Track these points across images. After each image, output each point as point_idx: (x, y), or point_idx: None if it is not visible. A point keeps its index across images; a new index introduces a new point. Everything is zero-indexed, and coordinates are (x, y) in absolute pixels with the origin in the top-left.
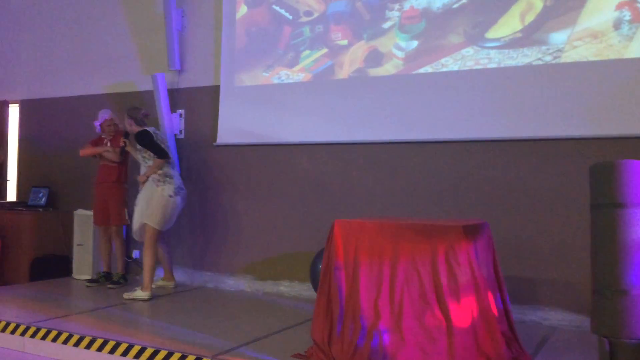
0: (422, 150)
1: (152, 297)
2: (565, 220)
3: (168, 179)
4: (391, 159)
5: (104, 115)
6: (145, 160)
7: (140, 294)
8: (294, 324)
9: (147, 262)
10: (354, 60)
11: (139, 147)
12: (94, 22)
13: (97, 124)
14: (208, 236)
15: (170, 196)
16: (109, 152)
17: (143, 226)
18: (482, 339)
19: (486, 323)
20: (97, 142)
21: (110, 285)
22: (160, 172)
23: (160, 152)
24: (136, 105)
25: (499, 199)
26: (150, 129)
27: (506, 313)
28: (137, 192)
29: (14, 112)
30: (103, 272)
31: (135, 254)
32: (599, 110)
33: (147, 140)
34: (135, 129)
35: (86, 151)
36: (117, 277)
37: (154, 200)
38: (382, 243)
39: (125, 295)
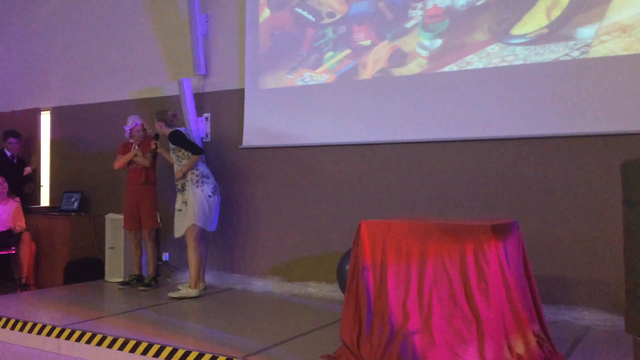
0: (449, 149)
1: (201, 295)
2: (597, 218)
3: (205, 179)
4: (417, 158)
5: (135, 120)
6: (179, 160)
7: (190, 291)
8: (322, 325)
9: (192, 260)
10: (377, 61)
11: (172, 146)
12: (121, 30)
13: (127, 128)
14: (236, 239)
15: (210, 196)
16: (138, 156)
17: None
18: (514, 339)
19: (517, 323)
20: (126, 148)
21: (141, 288)
22: (197, 172)
23: (195, 149)
24: (163, 108)
25: (529, 197)
26: (181, 129)
27: (538, 313)
28: (165, 194)
29: (45, 120)
30: (135, 275)
31: (165, 256)
32: (629, 105)
33: (180, 139)
34: (166, 130)
35: (120, 163)
36: (148, 279)
37: (195, 201)
38: (409, 243)
39: (172, 294)
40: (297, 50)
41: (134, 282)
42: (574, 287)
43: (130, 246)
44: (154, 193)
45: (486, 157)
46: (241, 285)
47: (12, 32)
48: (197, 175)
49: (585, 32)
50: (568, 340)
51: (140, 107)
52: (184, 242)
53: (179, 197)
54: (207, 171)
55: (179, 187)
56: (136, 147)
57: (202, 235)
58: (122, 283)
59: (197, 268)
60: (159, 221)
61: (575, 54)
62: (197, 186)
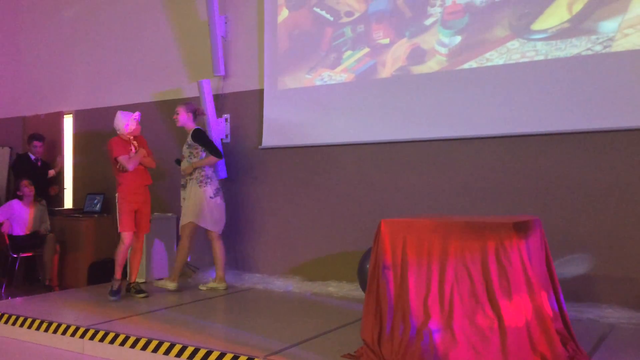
0: (469, 146)
1: (180, 290)
2: (621, 214)
3: (209, 180)
4: (437, 156)
5: (138, 115)
6: (191, 156)
7: (168, 284)
8: (343, 324)
9: (178, 256)
10: (396, 59)
11: (189, 142)
12: (141, 33)
13: (136, 118)
14: (256, 238)
15: (211, 197)
16: (146, 157)
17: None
18: (537, 338)
19: (540, 322)
20: (124, 145)
21: (110, 296)
22: (203, 172)
23: (216, 151)
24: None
25: (551, 194)
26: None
27: (561, 311)
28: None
29: (68, 123)
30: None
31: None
32: None
33: (205, 139)
34: (192, 124)
35: (135, 162)
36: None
37: (196, 199)
38: (430, 241)
39: (202, 287)
40: (316, 50)
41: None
42: (598, 284)
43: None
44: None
45: (507, 154)
46: (262, 284)
47: (35, 37)
48: (202, 175)
49: (608, 26)
50: (592, 338)
51: (160, 109)
52: (204, 242)
53: (182, 193)
54: (212, 173)
55: (183, 182)
56: (136, 145)
57: (218, 236)
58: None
59: (181, 264)
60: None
61: (598, 48)
62: (200, 186)
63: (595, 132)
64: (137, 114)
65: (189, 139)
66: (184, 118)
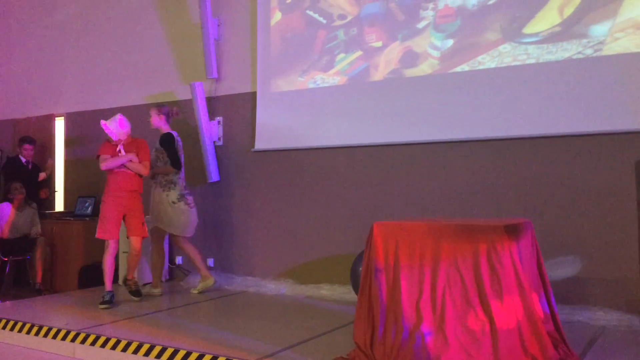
0: (461, 149)
1: (162, 294)
2: (611, 217)
3: (173, 185)
4: (429, 159)
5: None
6: (157, 160)
7: (153, 291)
8: (335, 327)
9: (152, 260)
10: (389, 62)
11: (157, 145)
12: (133, 35)
13: (126, 128)
14: (249, 241)
15: (174, 202)
16: (133, 162)
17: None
18: (528, 340)
19: (531, 324)
20: (111, 148)
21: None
22: (166, 177)
23: (176, 162)
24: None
25: (542, 197)
26: (174, 133)
27: (552, 313)
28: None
29: (60, 125)
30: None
31: (178, 260)
32: None
33: (170, 145)
34: (165, 127)
35: (109, 164)
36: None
37: (158, 204)
38: (422, 244)
39: (193, 291)
40: (309, 53)
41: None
42: (589, 286)
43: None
44: (141, 202)
45: (499, 157)
46: (254, 287)
47: (26, 40)
48: (165, 180)
49: (599, 30)
50: (583, 340)
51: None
52: (199, 246)
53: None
54: (176, 179)
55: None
56: (122, 151)
57: (184, 239)
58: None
59: (159, 269)
60: (147, 230)
61: (589, 52)
62: (162, 190)
63: (586, 135)
64: (125, 126)
65: (157, 143)
66: (155, 120)
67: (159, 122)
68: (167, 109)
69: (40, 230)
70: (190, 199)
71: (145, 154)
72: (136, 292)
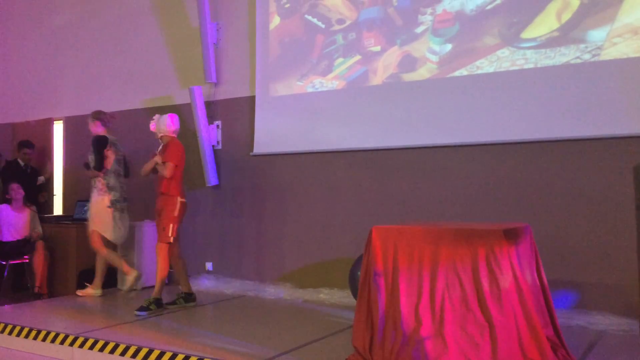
0: (460, 153)
1: (102, 295)
2: (610, 221)
3: (109, 190)
4: (428, 163)
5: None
6: (92, 162)
7: (90, 291)
8: (334, 331)
9: (97, 265)
10: (387, 66)
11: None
12: (132, 39)
13: (170, 126)
14: (247, 245)
15: (108, 206)
16: (159, 164)
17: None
18: (527, 345)
19: (530, 328)
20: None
21: (136, 312)
22: (104, 181)
23: (98, 164)
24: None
25: (541, 201)
26: (111, 138)
27: (551, 318)
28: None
29: (58, 129)
30: (182, 293)
31: None
32: None
33: (97, 148)
34: (99, 130)
35: (142, 170)
36: (147, 302)
37: (95, 207)
38: (421, 248)
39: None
40: (307, 57)
41: (180, 301)
42: (587, 291)
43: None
44: (174, 205)
45: (498, 161)
46: (253, 292)
47: (25, 44)
48: (102, 184)
49: (597, 35)
50: (582, 345)
51: (151, 116)
52: (198, 249)
53: None
54: (114, 183)
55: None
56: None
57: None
58: (168, 303)
59: (102, 273)
60: (169, 235)
61: (587, 56)
62: (99, 194)
63: (584, 140)
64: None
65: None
66: (92, 128)
67: (95, 128)
68: (100, 115)
69: (41, 231)
70: (122, 206)
71: (169, 154)
72: (184, 299)
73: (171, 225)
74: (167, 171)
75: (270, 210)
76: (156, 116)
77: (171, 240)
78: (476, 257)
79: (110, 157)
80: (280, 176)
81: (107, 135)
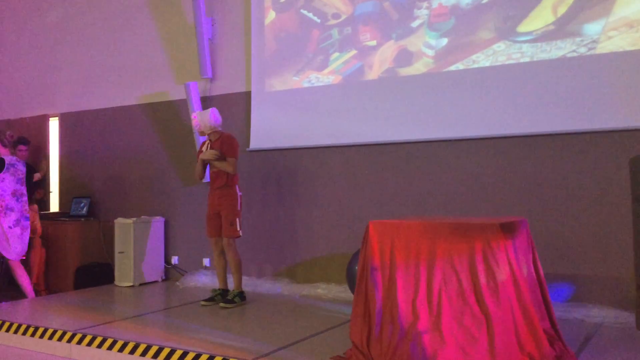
0: (456, 148)
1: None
2: (606, 215)
3: (8, 211)
4: (424, 158)
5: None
6: None
7: None
8: (332, 326)
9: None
10: (383, 61)
11: None
12: (127, 35)
13: (213, 122)
14: (244, 241)
15: (10, 227)
16: (211, 154)
17: None
18: (524, 338)
19: (527, 321)
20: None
21: (222, 304)
22: (2, 203)
23: None
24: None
25: (537, 195)
26: (9, 159)
27: (548, 311)
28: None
29: (54, 126)
30: (219, 290)
31: (174, 260)
32: (638, 100)
33: None
34: (2, 152)
35: (196, 173)
36: (231, 295)
37: None
38: (418, 243)
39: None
40: (303, 52)
41: (219, 297)
42: (584, 284)
43: (212, 256)
44: (236, 199)
45: (494, 155)
46: (249, 287)
47: (20, 40)
48: (1, 206)
49: (592, 28)
50: (579, 337)
51: (147, 112)
52: (195, 245)
53: None
54: (14, 203)
55: None
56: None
57: (15, 263)
58: (206, 299)
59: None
60: (238, 230)
61: (583, 50)
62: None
63: (581, 133)
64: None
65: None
66: None
67: None
68: (1, 135)
69: (41, 228)
70: (26, 223)
71: (229, 150)
72: (228, 300)
73: (237, 220)
74: (231, 168)
75: (266, 206)
76: (196, 112)
77: (240, 234)
78: (473, 251)
79: (7, 179)
80: (277, 172)
81: (4, 157)
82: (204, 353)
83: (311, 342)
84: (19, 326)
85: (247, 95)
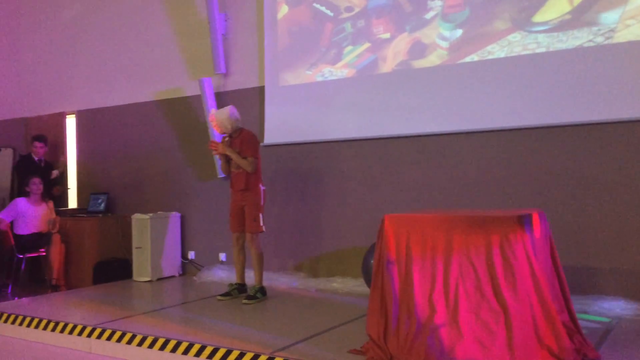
0: (471, 140)
1: None
2: (625, 206)
3: None
4: (440, 150)
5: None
6: None
7: None
8: (348, 319)
9: None
10: (397, 53)
11: None
12: (141, 32)
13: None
14: (260, 235)
15: None
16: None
17: None
18: (543, 331)
19: (546, 315)
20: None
21: (245, 301)
22: None
23: None
24: None
25: (555, 186)
26: None
27: (567, 304)
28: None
29: (71, 123)
30: (235, 284)
31: (190, 255)
32: None
33: None
34: None
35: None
36: (253, 291)
37: None
38: (434, 236)
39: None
40: (316, 46)
41: (235, 292)
42: (603, 276)
43: (232, 251)
44: (259, 195)
45: (510, 147)
46: (266, 281)
47: (36, 39)
48: None
49: (609, 17)
50: (598, 330)
51: (162, 108)
52: (211, 240)
53: None
54: None
55: None
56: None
57: None
58: (222, 294)
59: None
60: (261, 225)
61: (600, 39)
62: None
63: (598, 124)
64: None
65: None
66: None
67: None
68: None
69: (58, 225)
70: None
71: (248, 149)
72: (251, 296)
73: (261, 215)
74: (250, 167)
75: (281, 200)
76: (213, 112)
77: (263, 229)
78: (490, 244)
79: None
80: (291, 166)
81: None
82: (222, 347)
83: (328, 336)
84: (40, 321)
85: (261, 90)
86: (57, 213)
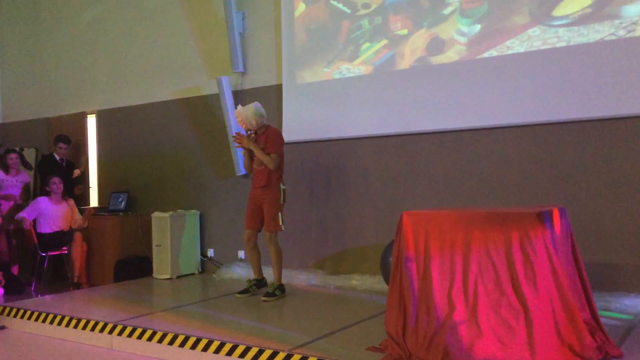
0: (491, 136)
1: None
2: None
3: None
4: (458, 147)
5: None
6: None
7: None
8: (367, 317)
9: None
10: (415, 50)
11: None
12: (160, 32)
13: (257, 119)
14: (279, 233)
15: None
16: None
17: None
18: (564, 329)
19: (567, 312)
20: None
21: (264, 298)
22: None
23: None
24: None
25: (576, 182)
26: None
27: (588, 301)
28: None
29: (92, 123)
30: (253, 280)
31: (210, 252)
32: None
33: None
34: None
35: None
36: (272, 288)
37: None
38: (453, 233)
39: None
40: (334, 43)
41: (254, 288)
42: (625, 273)
43: (245, 250)
44: (278, 193)
45: (531, 143)
46: (285, 279)
47: (57, 39)
48: None
49: (632, 10)
50: (621, 328)
51: (181, 107)
52: (230, 238)
53: None
54: None
55: None
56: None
57: None
58: (240, 292)
59: None
60: (280, 224)
61: (622, 33)
62: None
63: (620, 119)
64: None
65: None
66: None
67: None
68: None
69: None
70: None
71: (273, 146)
72: (269, 294)
73: (280, 214)
74: (272, 164)
75: (300, 198)
76: (239, 108)
77: (282, 228)
78: (510, 240)
79: None
80: (310, 163)
81: None
82: (241, 344)
83: (347, 333)
84: (62, 318)
85: (279, 88)
86: (81, 212)
